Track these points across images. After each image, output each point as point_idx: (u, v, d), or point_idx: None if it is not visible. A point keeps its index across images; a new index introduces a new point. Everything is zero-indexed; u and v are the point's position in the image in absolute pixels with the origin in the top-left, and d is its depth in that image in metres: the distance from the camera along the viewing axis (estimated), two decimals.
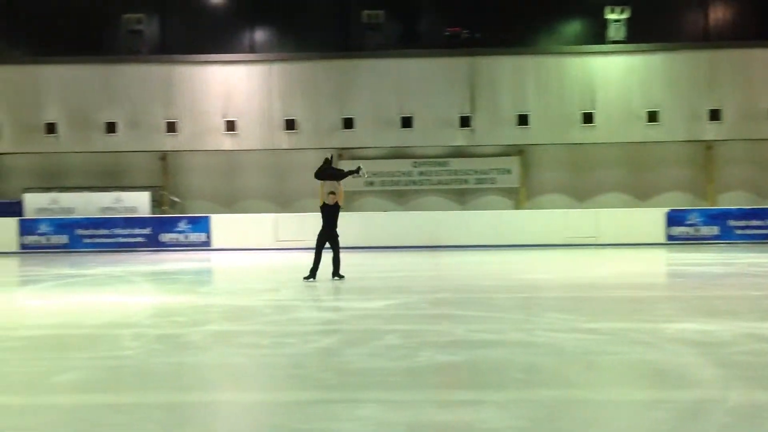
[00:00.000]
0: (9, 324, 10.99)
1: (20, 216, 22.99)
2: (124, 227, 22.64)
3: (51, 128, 23.27)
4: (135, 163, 24.60)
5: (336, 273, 14.98)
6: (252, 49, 25.07)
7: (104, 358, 8.68)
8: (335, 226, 14.96)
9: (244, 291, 14.36)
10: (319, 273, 15.06)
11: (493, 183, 23.93)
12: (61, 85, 23.62)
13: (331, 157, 15.52)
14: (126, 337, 9.70)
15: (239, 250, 21.89)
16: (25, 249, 22.61)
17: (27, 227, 22.74)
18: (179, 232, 22.63)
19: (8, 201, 23.81)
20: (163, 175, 24.51)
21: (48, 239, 22.65)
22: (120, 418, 6.45)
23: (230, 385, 7.75)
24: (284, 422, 6.25)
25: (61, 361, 8.55)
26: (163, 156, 24.23)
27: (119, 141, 23.43)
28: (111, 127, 23.31)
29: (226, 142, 23.45)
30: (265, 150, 23.81)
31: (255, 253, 21.25)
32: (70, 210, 23.22)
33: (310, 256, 15.14)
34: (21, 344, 9.54)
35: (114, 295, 13.82)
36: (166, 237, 22.61)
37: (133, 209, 23.12)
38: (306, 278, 14.75)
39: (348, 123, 23.03)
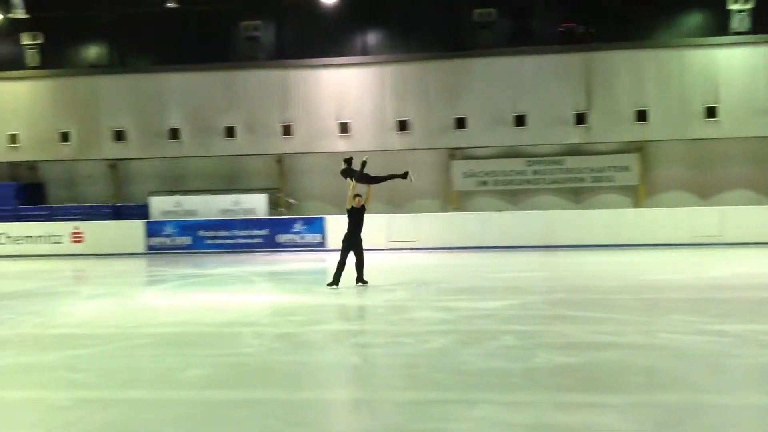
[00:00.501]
0: (138, 322, 11.48)
1: (146, 218, 24.03)
2: (242, 229, 23.31)
3: (174, 134, 24.17)
4: (253, 166, 25.27)
5: (360, 279, 14.39)
6: (365, 52, 25.33)
7: (227, 355, 8.96)
8: (361, 230, 14.27)
9: (359, 291, 14.49)
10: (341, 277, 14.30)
11: (610, 181, 23.29)
12: (183, 92, 24.52)
13: (351, 159, 14.60)
14: (247, 336, 9.98)
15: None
16: (151, 250, 23.59)
17: (153, 229, 23.72)
18: (295, 233, 23.11)
19: (135, 204, 24.93)
20: (280, 178, 25.08)
21: (172, 240, 23.57)
22: (243, 413, 6.65)
23: (346, 384, 7.86)
24: (401, 422, 6.29)
25: (186, 357, 8.88)
26: (279, 159, 24.79)
27: (238, 145, 24.11)
28: (230, 132, 24.02)
29: (340, 144, 23.78)
30: (376, 151, 24.00)
31: (367, 253, 21.36)
32: (192, 212, 24.09)
33: (424, 257, 15.17)
34: (149, 341, 9.95)
35: (234, 295, 14.24)
36: (282, 238, 23.13)
37: (251, 211, 23.77)
38: (329, 285, 14.11)
39: (460, 123, 22.93)
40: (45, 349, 9.46)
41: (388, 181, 14.88)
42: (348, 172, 14.34)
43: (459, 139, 23.21)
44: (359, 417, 6.63)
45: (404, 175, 14.63)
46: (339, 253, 14.27)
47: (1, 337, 10.34)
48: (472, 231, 22.11)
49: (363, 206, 14.14)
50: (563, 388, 7.33)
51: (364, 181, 14.24)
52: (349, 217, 14.18)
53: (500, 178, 23.59)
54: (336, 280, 14.03)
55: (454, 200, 23.97)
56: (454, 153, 23.89)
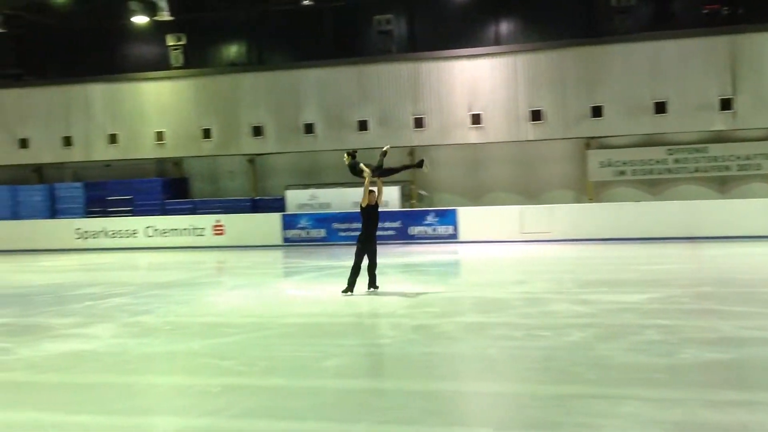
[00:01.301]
0: (277, 312, 11.83)
1: (283, 211, 24.67)
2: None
3: (309, 128, 24.67)
4: (385, 158, 25.44)
5: (372, 284, 13.01)
6: (497, 42, 25.04)
7: (365, 345, 9.09)
8: (376, 229, 13.02)
9: (493, 283, 14.39)
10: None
11: (758, 169, 22.05)
12: (318, 87, 24.99)
13: (356, 152, 13.34)
14: (384, 327, 10.10)
15: (485, 242, 21.96)
16: (287, 242, 24.22)
17: (289, 222, 24.35)
18: (427, 225, 23.16)
19: (272, 197, 25.66)
20: (411, 170, 25.16)
21: (307, 233, 24.12)
22: (383, 403, 6.72)
23: (485, 376, 7.80)
24: (543, 415, 6.19)
25: (325, 347, 9.06)
26: (411, 151, 24.88)
27: (371, 138, 24.33)
28: (363, 125, 24.30)
29: (472, 135, 23.61)
30: (509, 142, 23.71)
31: (501, 245, 21.23)
32: (326, 205, 24.56)
33: (558, 249, 14.83)
34: (289, 331, 10.23)
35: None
36: (414, 230, 23.22)
37: (384, 204, 23.92)
38: (344, 292, 12.74)
39: (596, 111, 22.29)
40: (192, 337, 9.87)
41: (408, 169, 13.75)
42: (356, 167, 12.98)
43: (595, 128, 22.58)
44: (499, 410, 6.56)
45: (419, 164, 13.77)
46: (365, 255, 12.89)
47: (152, 326, 10.87)
48: (609, 222, 21.47)
49: (377, 203, 12.84)
50: (713, 385, 7.01)
51: (376, 175, 12.93)
52: (363, 216, 12.87)
53: (639, 167, 22.77)
54: (351, 287, 12.73)
55: (589, 191, 23.37)
56: (590, 142, 23.29)
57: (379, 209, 13.01)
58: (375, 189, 12.75)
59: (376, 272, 13.06)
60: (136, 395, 7.36)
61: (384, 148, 13.60)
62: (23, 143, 26.61)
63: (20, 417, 6.64)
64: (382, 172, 13.03)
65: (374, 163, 13.09)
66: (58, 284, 16.28)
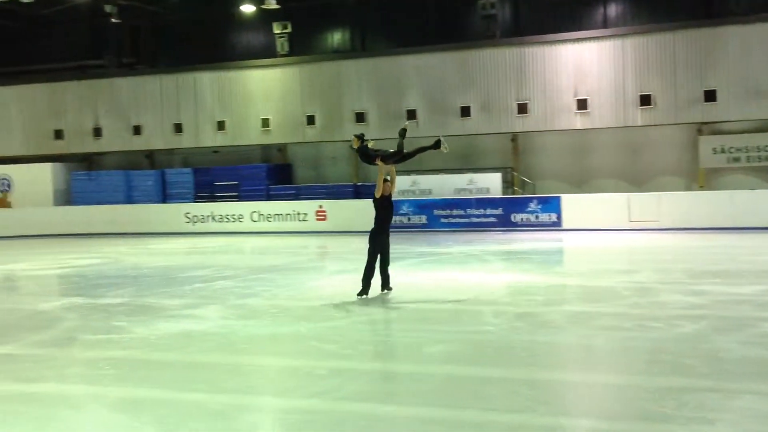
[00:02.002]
0: (380, 297, 11.88)
1: None
2: (477, 207, 23.43)
3: (411, 114, 24.67)
4: (487, 145, 25.27)
5: (386, 284, 11.68)
6: (605, 24, 24.44)
7: (469, 332, 9.04)
8: (390, 223, 11.63)
9: (600, 272, 14.08)
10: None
11: None
12: (420, 73, 24.96)
13: (363, 135, 11.74)
14: (487, 314, 10.03)
15: (590, 230, 21.51)
16: (390, 229, 24.31)
17: None
18: (530, 212, 22.85)
19: (374, 184, 25.67)
20: (514, 156, 24.87)
21: (408, 219, 24.18)
22: (490, 391, 6.68)
23: (592, 367, 7.65)
24: (652, 408, 6.02)
25: (429, 333, 9.07)
26: (514, 137, 24.59)
27: (473, 124, 24.20)
28: (465, 111, 24.15)
29: (578, 121, 23.14)
30: (617, 128, 23.11)
31: (606, 233, 20.75)
32: (427, 191, 24.56)
33: (667, 238, 14.38)
34: (392, 316, 10.29)
35: (471, 273, 14.33)
36: (516, 217, 22.95)
37: (485, 190, 23.81)
38: (359, 294, 11.30)
39: (710, 95, 21.45)
40: (297, 320, 10.05)
41: (425, 151, 11.89)
42: (366, 152, 11.50)
43: (707, 112, 21.76)
44: (607, 401, 6.42)
45: (436, 145, 11.70)
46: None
47: (258, 308, 11.11)
48: (721, 210, 20.68)
49: (390, 194, 11.43)
50: None
51: (391, 161, 11.41)
52: (377, 208, 11.42)
53: (754, 153, 21.83)
54: (366, 289, 11.34)
55: (700, 178, 22.56)
56: (702, 128, 22.46)
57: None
58: (389, 178, 11.37)
59: (389, 271, 11.71)
60: (244, 375, 7.54)
61: (403, 125, 12.17)
62: (137, 130, 27.63)
63: (136, 393, 6.91)
64: (398, 158, 11.42)
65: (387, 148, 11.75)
66: (169, 266, 16.87)
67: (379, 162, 11.30)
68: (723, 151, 22.06)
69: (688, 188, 22.74)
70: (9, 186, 28.30)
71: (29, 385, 7.23)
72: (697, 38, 21.90)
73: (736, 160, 22.03)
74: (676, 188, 22.78)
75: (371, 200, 11.50)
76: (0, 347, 8.92)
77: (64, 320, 10.41)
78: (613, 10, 24.89)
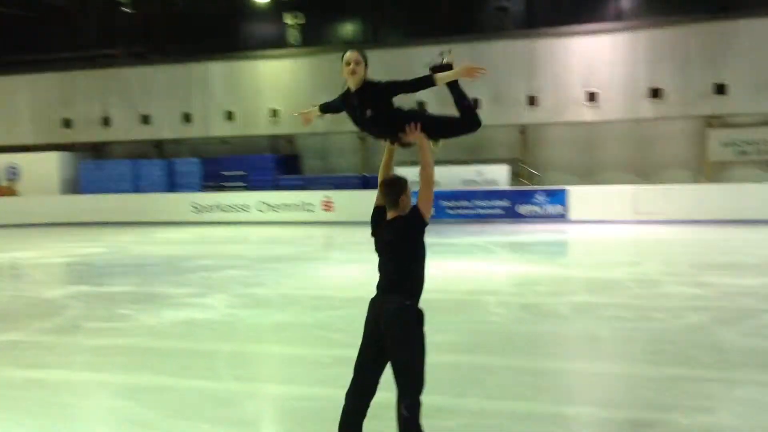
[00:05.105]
0: None
1: None
2: (484, 199, 23.41)
3: (420, 106, 24.61)
4: (495, 136, 25.21)
5: None
6: (618, 18, 24.32)
7: (473, 322, 9.07)
8: None
9: (605, 264, 14.07)
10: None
11: None
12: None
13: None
14: (491, 304, 10.04)
15: (596, 222, 21.48)
16: None
17: None
18: (536, 204, 22.81)
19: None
20: (522, 148, 24.82)
21: None
22: (494, 380, 6.71)
23: (595, 356, 7.66)
24: (654, 397, 6.04)
25: (434, 323, 9.03)
26: (523, 129, 24.54)
27: (482, 115, 23.95)
28: (475, 103, 23.99)
29: (587, 114, 23.06)
30: (626, 120, 23.03)
31: (613, 225, 20.73)
32: (435, 183, 24.49)
33: (674, 230, 14.30)
34: None
35: (477, 264, 14.35)
36: (523, 209, 22.92)
37: (492, 182, 23.77)
38: None
39: (720, 89, 21.35)
40: (303, 310, 10.09)
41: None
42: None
43: (718, 106, 21.66)
44: (609, 390, 6.44)
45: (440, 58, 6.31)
46: None
47: (266, 297, 11.16)
48: (728, 204, 20.61)
49: None
50: None
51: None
52: (422, 232, 8.72)
53: (764, 147, 21.76)
54: None
55: (708, 171, 22.49)
56: (712, 122, 22.38)
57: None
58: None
59: None
60: (248, 363, 7.58)
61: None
62: (145, 119, 27.67)
63: (140, 380, 6.96)
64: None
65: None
66: (175, 255, 16.93)
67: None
68: (732, 145, 21.98)
69: (695, 181, 22.68)
70: (17, 174, 28.42)
71: (34, 371, 7.30)
72: (709, 32, 21.78)
73: (744, 153, 21.95)
74: (683, 181, 22.71)
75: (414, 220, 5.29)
76: (5, 334, 9.00)
77: (70, 308, 10.47)
78: (626, 2, 24.77)
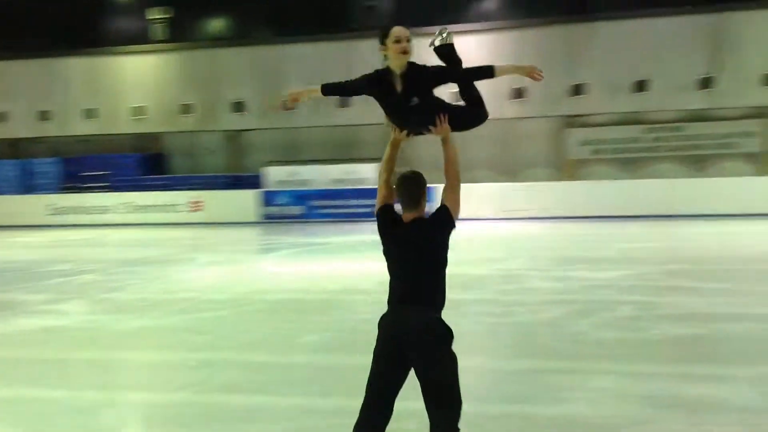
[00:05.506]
0: (254, 288, 11.77)
1: (259, 188, 24.41)
2: (354, 198, 23.49)
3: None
4: (364, 135, 25.34)
5: None
6: (482, 18, 24.86)
7: (340, 321, 9.08)
8: None
9: (473, 260, 14.36)
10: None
11: (733, 148, 22.18)
12: (300, 63, 24.70)
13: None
14: (360, 303, 10.07)
15: (465, 220, 21.86)
16: (266, 219, 24.08)
17: (267, 198, 24.16)
18: None
19: (252, 174, 25.34)
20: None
21: (286, 210, 23.97)
22: (357, 378, 6.69)
23: (461, 352, 7.76)
24: (518, 389, 6.21)
25: (303, 323, 9.04)
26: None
27: (353, 115, 24.18)
28: (344, 101, 24.10)
29: None
30: (491, 120, 23.57)
31: (481, 223, 21.24)
32: (307, 182, 24.43)
33: (537, 227, 14.81)
34: (268, 307, 10.19)
35: (346, 263, 14.39)
36: (395, 207, 23.03)
37: (362, 180, 23.89)
38: None
39: (578, 89, 22.26)
40: (167, 314, 9.81)
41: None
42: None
43: (576, 106, 22.58)
44: (475, 385, 6.56)
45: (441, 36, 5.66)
46: None
47: (127, 302, 10.78)
48: (587, 200, 21.53)
49: None
50: (685, 359, 7.08)
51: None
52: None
53: (618, 146, 22.85)
54: None
55: (567, 169, 23.42)
56: (571, 121, 23.30)
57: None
58: None
59: None
60: (108, 370, 7.30)
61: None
62: (0, 117, 26.23)
63: None
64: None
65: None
66: (31, 260, 16.13)
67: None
68: (588, 143, 23.00)
69: (557, 179, 23.55)
70: None
71: None
72: (568, 33, 22.66)
73: (599, 152, 23.01)
74: (547, 179, 23.55)
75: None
76: None
77: None
78: (490, 3, 25.36)
